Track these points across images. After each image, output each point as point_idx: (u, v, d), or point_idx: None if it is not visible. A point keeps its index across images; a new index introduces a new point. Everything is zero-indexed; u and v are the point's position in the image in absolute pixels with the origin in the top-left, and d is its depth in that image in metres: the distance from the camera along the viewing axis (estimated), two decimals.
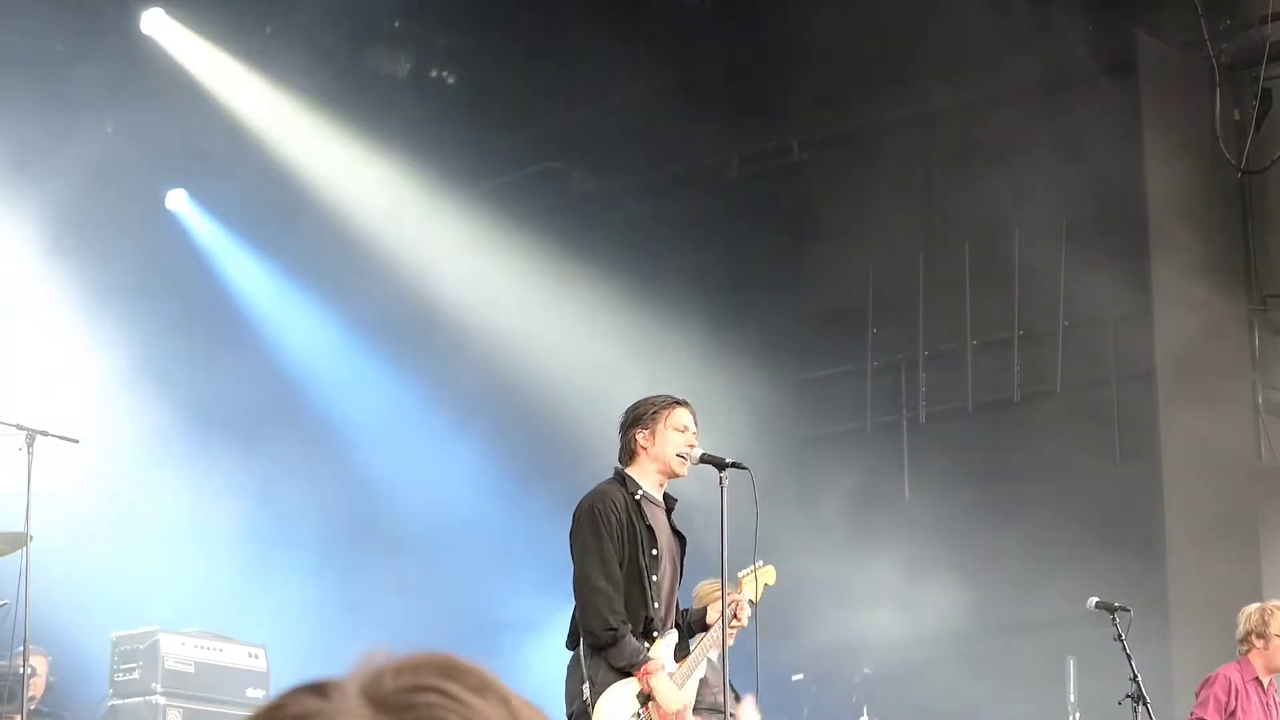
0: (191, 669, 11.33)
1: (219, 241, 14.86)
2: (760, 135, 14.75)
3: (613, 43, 13.71)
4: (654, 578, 7.45)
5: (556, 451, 13.80)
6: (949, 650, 12.95)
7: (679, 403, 7.63)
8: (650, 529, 7.47)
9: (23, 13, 12.72)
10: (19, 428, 9.27)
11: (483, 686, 1.41)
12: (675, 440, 7.53)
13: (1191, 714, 9.86)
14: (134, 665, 11.19)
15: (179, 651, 11.32)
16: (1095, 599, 9.49)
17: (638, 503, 7.49)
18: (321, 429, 14.70)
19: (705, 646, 7.68)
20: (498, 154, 14.90)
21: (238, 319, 14.86)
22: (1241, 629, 9.82)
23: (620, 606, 7.33)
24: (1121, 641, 9.26)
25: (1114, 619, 9.33)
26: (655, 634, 7.45)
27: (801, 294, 14.43)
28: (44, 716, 11.04)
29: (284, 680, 11.64)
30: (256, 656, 11.73)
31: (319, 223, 14.44)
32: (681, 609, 7.81)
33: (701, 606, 7.96)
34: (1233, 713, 9.67)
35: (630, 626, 7.34)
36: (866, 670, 13.20)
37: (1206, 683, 9.83)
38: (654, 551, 7.46)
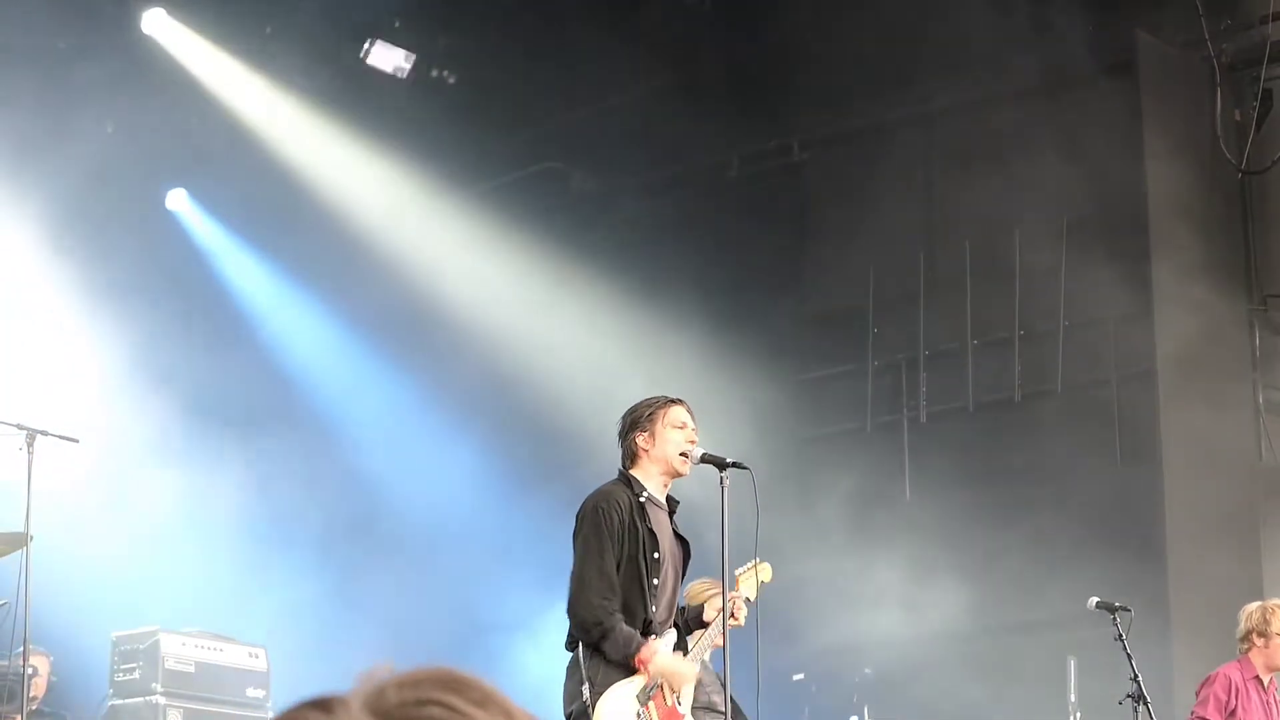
0: (192, 669, 11.33)
1: (219, 241, 14.86)
2: (760, 135, 14.75)
3: (613, 43, 13.71)
4: (655, 581, 7.45)
5: (556, 451, 13.80)
6: (950, 650, 12.95)
7: (674, 401, 7.64)
8: (653, 532, 7.48)
9: (23, 12, 12.72)
10: (19, 427, 9.27)
11: (485, 699, 1.41)
12: (675, 439, 7.54)
13: (1192, 713, 9.86)
14: (134, 665, 11.19)
15: (179, 651, 11.32)
16: (1096, 599, 9.49)
17: (642, 505, 7.50)
18: (321, 429, 14.70)
19: (703, 645, 7.68)
20: (498, 154, 14.89)
21: (238, 319, 14.86)
22: (1242, 627, 9.82)
23: (613, 604, 7.34)
24: (1122, 641, 9.26)
25: (1114, 619, 9.32)
26: (653, 635, 7.45)
27: (802, 294, 14.44)
28: (46, 716, 11.04)
29: (284, 680, 11.71)
30: (257, 656, 11.73)
31: (319, 223, 14.44)
32: (679, 608, 7.82)
33: (693, 605, 7.96)
34: (1233, 712, 9.67)
35: (621, 619, 7.34)
36: (867, 670, 13.20)
37: (1207, 682, 9.83)
38: (655, 555, 7.46)
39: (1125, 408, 13.10)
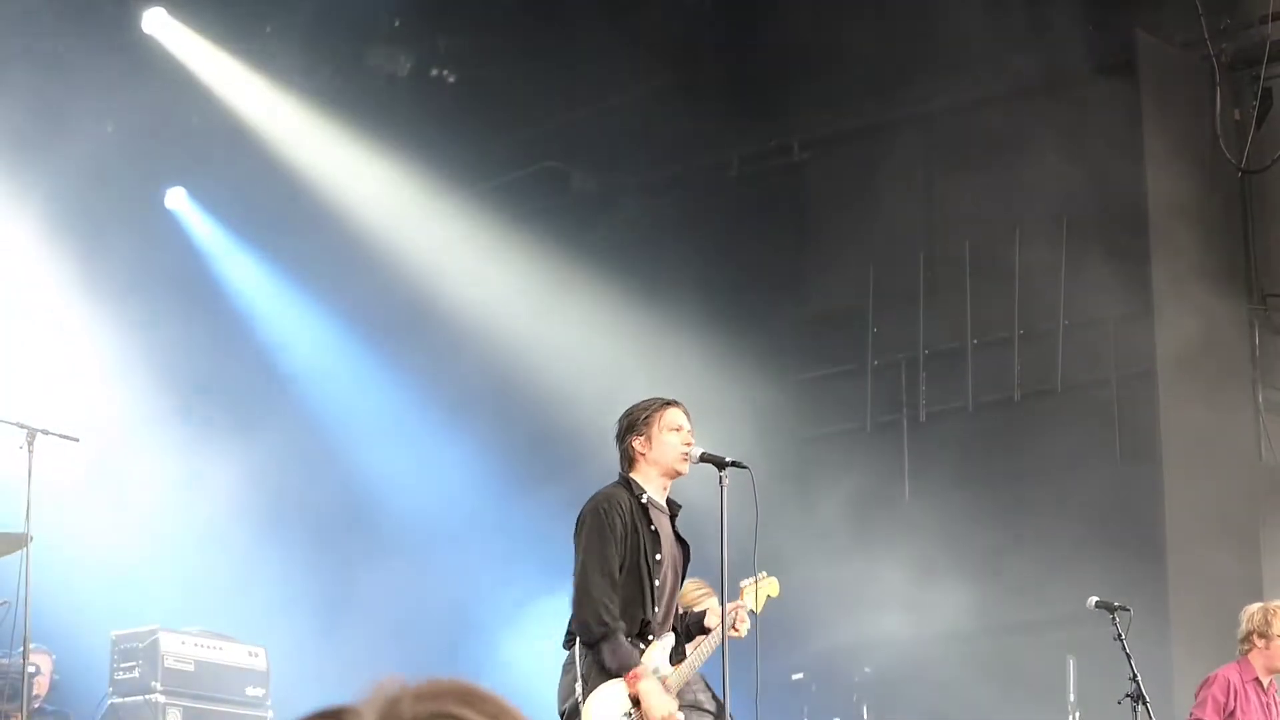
0: (191, 668, 11.33)
1: (218, 240, 14.86)
2: (760, 135, 14.75)
3: (613, 43, 13.71)
4: (656, 582, 7.46)
5: (555, 450, 13.79)
6: (949, 650, 12.95)
7: (670, 403, 7.64)
8: (654, 533, 7.48)
9: (23, 11, 12.73)
10: (19, 426, 9.27)
11: (500, 713, 1.42)
12: (672, 440, 7.55)
13: (1190, 714, 9.86)
14: (134, 664, 11.19)
15: (179, 650, 11.32)
16: (1095, 598, 9.48)
17: (644, 507, 7.50)
18: (321, 428, 14.70)
19: (703, 652, 7.68)
20: (498, 154, 14.89)
21: (237, 318, 14.86)
22: (1243, 628, 9.81)
23: (615, 607, 7.34)
24: (1121, 641, 9.25)
25: (1114, 618, 9.32)
26: (651, 637, 7.45)
27: (801, 294, 14.43)
28: (48, 715, 11.04)
29: (284, 679, 11.70)
30: (256, 655, 11.73)
31: (319, 222, 14.44)
32: (680, 612, 7.82)
33: (686, 608, 7.96)
34: (1231, 713, 9.66)
35: (624, 627, 7.34)
36: (867, 670, 13.20)
37: (1205, 683, 9.83)
38: (657, 556, 7.46)
39: (1125, 407, 13.10)
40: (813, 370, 14.38)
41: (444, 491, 14.42)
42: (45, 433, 9.33)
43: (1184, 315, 12.72)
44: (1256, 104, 12.59)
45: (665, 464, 7.54)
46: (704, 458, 7.58)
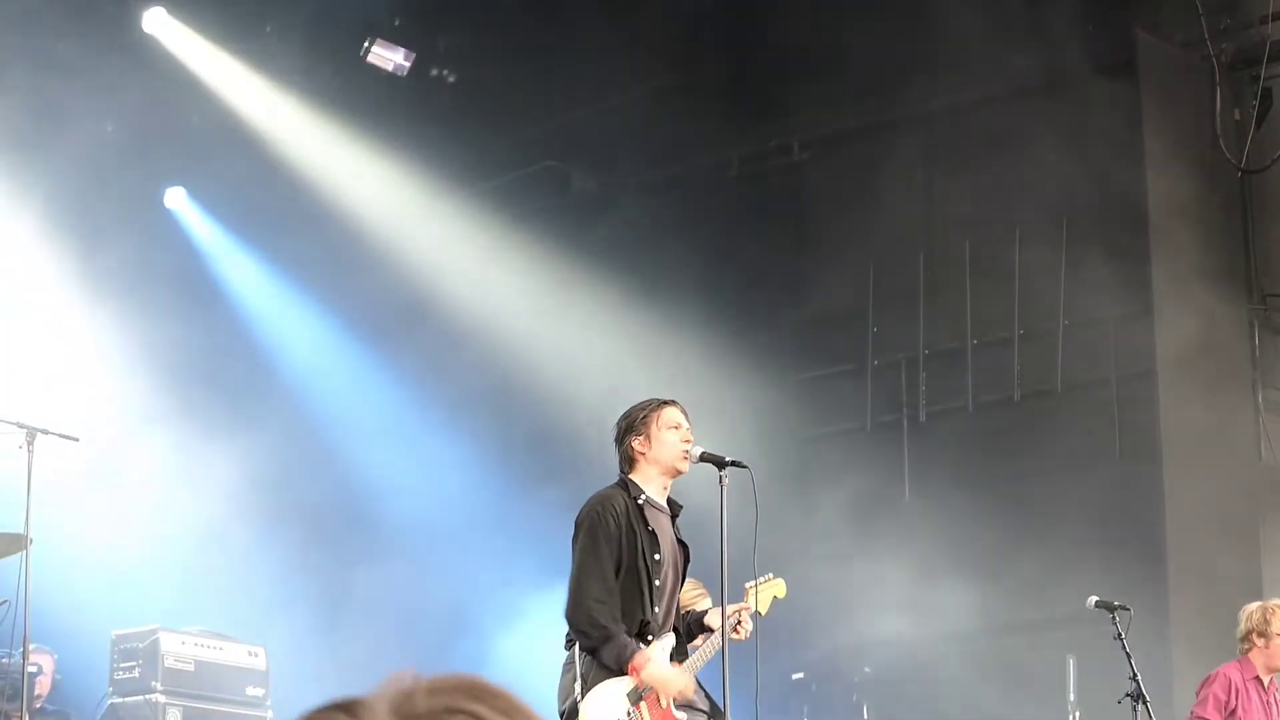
0: (191, 667, 11.34)
1: (217, 240, 14.86)
2: (760, 135, 14.75)
3: (613, 43, 13.71)
4: (655, 582, 7.46)
5: (555, 450, 13.80)
6: (949, 649, 12.96)
7: (667, 403, 7.66)
8: (653, 533, 7.49)
9: (23, 11, 12.73)
10: (19, 426, 9.27)
11: (511, 710, 1.43)
12: (671, 439, 7.56)
13: (1191, 713, 9.86)
14: (134, 664, 11.20)
15: (179, 650, 11.32)
16: (1095, 598, 9.49)
17: (640, 507, 7.51)
18: (321, 427, 14.70)
19: (704, 653, 7.68)
20: (498, 154, 14.89)
21: (237, 318, 14.87)
22: (1243, 627, 9.82)
23: (614, 609, 7.35)
24: (1121, 640, 9.25)
25: (1114, 618, 9.32)
26: (651, 637, 7.45)
27: (801, 294, 14.42)
28: (50, 715, 11.05)
29: (283, 678, 11.70)
30: (256, 655, 11.74)
31: (318, 222, 14.44)
32: (682, 613, 7.82)
33: (684, 608, 7.96)
34: (1233, 711, 9.67)
35: (623, 627, 7.35)
36: (867, 669, 13.20)
37: (1206, 681, 9.83)
38: (656, 556, 7.47)
39: (1125, 407, 13.10)
40: (813, 370, 14.38)
41: (444, 492, 14.42)
42: (45, 433, 9.33)
43: (1184, 315, 12.72)
44: (1256, 104, 12.60)
45: (665, 463, 7.55)
46: (704, 457, 7.59)
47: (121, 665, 11.25)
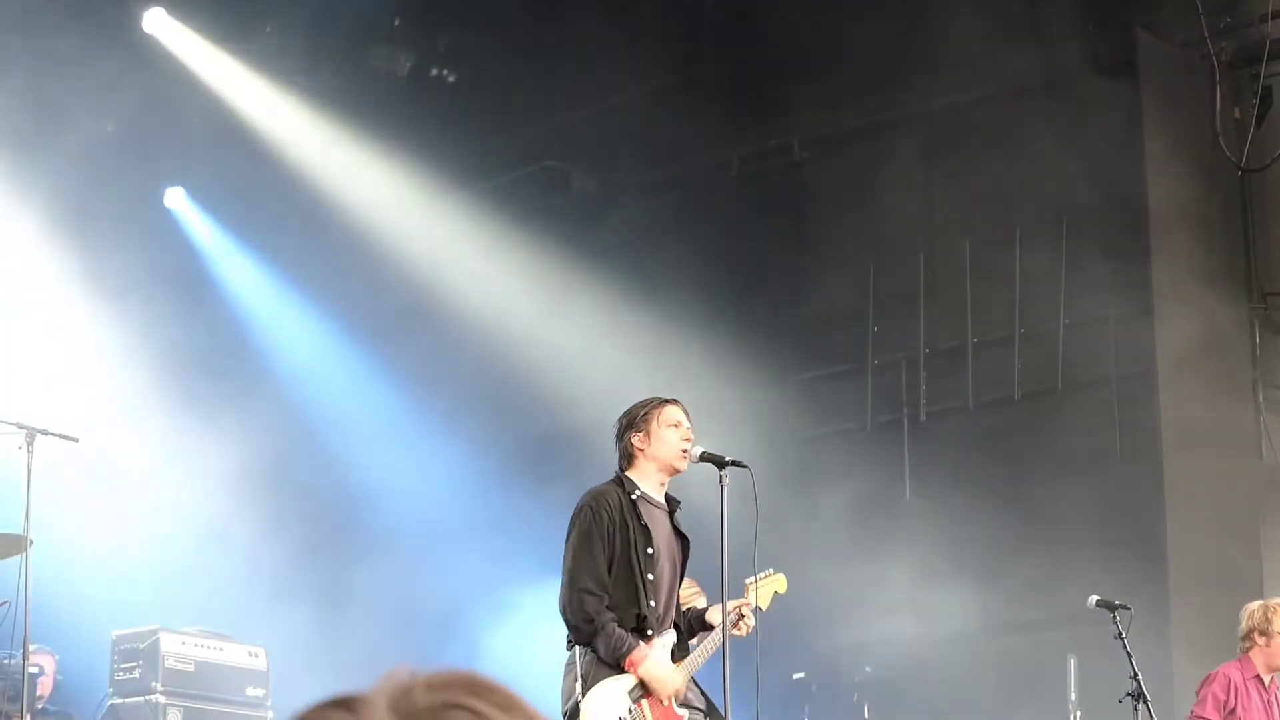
0: (192, 668, 11.33)
1: (217, 240, 14.86)
2: (760, 135, 14.75)
3: (613, 43, 13.71)
4: (649, 576, 7.47)
5: (554, 450, 13.80)
6: (950, 649, 12.95)
7: (668, 401, 7.68)
8: (646, 528, 7.50)
9: (23, 11, 12.73)
10: (19, 426, 9.27)
11: (510, 705, 1.43)
12: (671, 437, 7.58)
13: (1191, 712, 9.86)
14: (134, 664, 11.20)
15: (179, 650, 11.32)
16: (1096, 597, 9.48)
17: (634, 502, 7.53)
18: (320, 428, 14.70)
19: (705, 649, 7.68)
20: (498, 154, 14.89)
21: (237, 318, 14.87)
22: (1244, 626, 9.82)
23: (603, 601, 7.36)
24: (1122, 640, 9.25)
25: (1114, 617, 9.31)
26: (650, 632, 7.45)
27: (801, 293, 14.42)
28: (52, 715, 11.05)
29: (284, 679, 11.69)
30: (256, 655, 11.74)
31: (318, 222, 14.44)
32: (684, 610, 7.82)
33: (687, 607, 7.96)
34: (1232, 711, 9.67)
35: (614, 619, 7.36)
36: (868, 669, 13.20)
37: (1206, 681, 9.83)
38: (649, 550, 7.48)
39: (1125, 407, 13.10)
40: (813, 370, 14.38)
41: (444, 491, 14.43)
42: (45, 433, 9.33)
43: (1184, 315, 12.72)
44: (1256, 103, 12.60)
45: (664, 460, 7.57)
46: (704, 457, 7.60)
47: (122, 666, 11.25)
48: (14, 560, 9.14)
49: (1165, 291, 12.85)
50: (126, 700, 11.19)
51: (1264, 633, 9.75)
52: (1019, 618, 12.84)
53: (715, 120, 14.48)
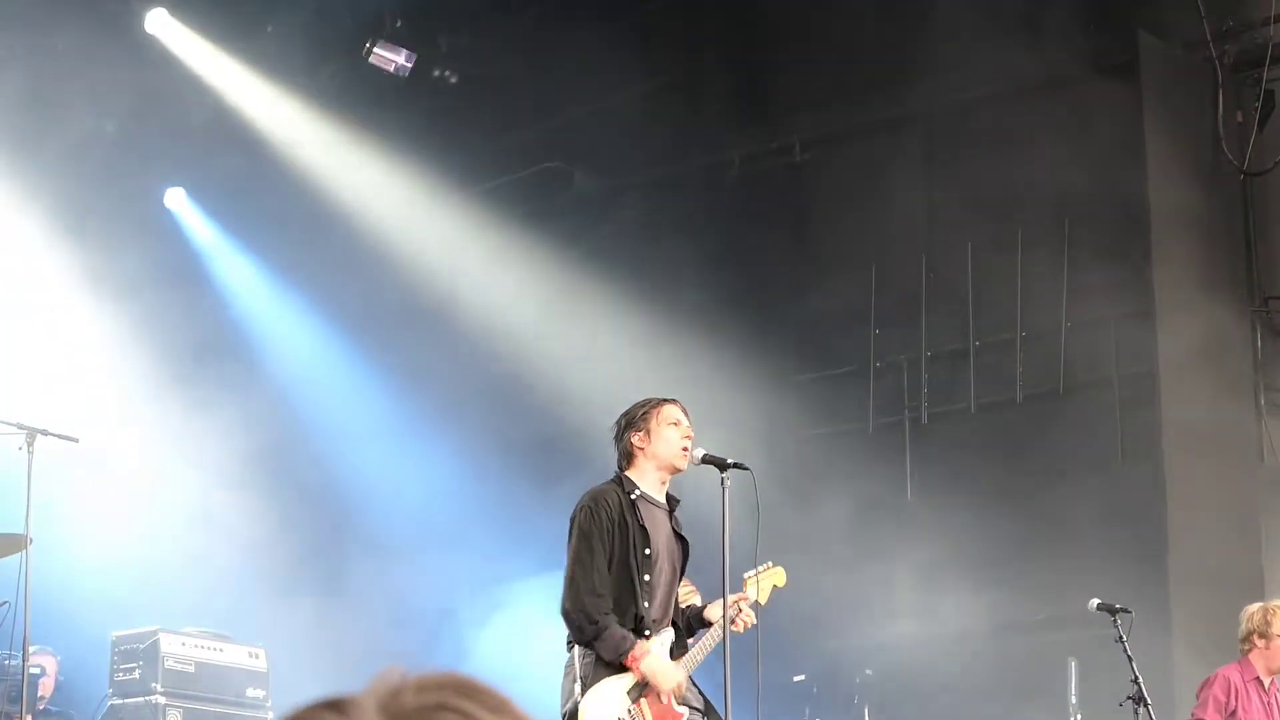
0: (192, 669, 11.33)
1: (217, 240, 14.86)
2: (760, 135, 14.74)
3: (613, 43, 13.71)
4: (646, 576, 7.47)
5: (554, 449, 13.79)
6: (951, 651, 12.95)
7: (667, 400, 7.68)
8: (644, 528, 7.50)
9: (23, 10, 12.73)
10: (19, 427, 9.27)
11: (499, 707, 1.43)
12: (671, 436, 7.59)
13: (1192, 715, 9.87)
14: (134, 665, 11.19)
15: (179, 651, 11.32)
16: (1097, 600, 9.49)
17: (633, 502, 7.53)
18: (320, 428, 14.70)
19: (704, 646, 7.67)
20: (498, 154, 14.89)
21: (236, 318, 14.87)
22: (1243, 629, 9.83)
23: (605, 604, 7.36)
24: (1123, 643, 9.26)
25: (1115, 620, 9.32)
26: (648, 632, 7.46)
27: (803, 295, 14.42)
28: (53, 716, 11.05)
29: (283, 680, 11.69)
30: (256, 656, 11.73)
31: (319, 222, 14.44)
32: (682, 608, 7.82)
33: (685, 605, 7.96)
34: (1233, 713, 9.67)
35: (616, 619, 7.36)
36: (868, 671, 13.18)
37: (1206, 683, 9.84)
38: (647, 550, 7.48)
39: (1127, 409, 13.09)
40: (814, 371, 14.37)
41: (444, 492, 14.43)
42: (45, 433, 9.33)
43: (1185, 317, 12.71)
44: (1259, 106, 12.60)
45: (664, 458, 7.58)
46: (705, 459, 7.61)
47: (122, 667, 11.25)
48: (14, 560, 9.14)
49: (1167, 294, 12.85)
50: (126, 701, 11.19)
51: (1264, 635, 9.75)
52: (1020, 620, 12.84)
53: (715, 120, 14.48)
